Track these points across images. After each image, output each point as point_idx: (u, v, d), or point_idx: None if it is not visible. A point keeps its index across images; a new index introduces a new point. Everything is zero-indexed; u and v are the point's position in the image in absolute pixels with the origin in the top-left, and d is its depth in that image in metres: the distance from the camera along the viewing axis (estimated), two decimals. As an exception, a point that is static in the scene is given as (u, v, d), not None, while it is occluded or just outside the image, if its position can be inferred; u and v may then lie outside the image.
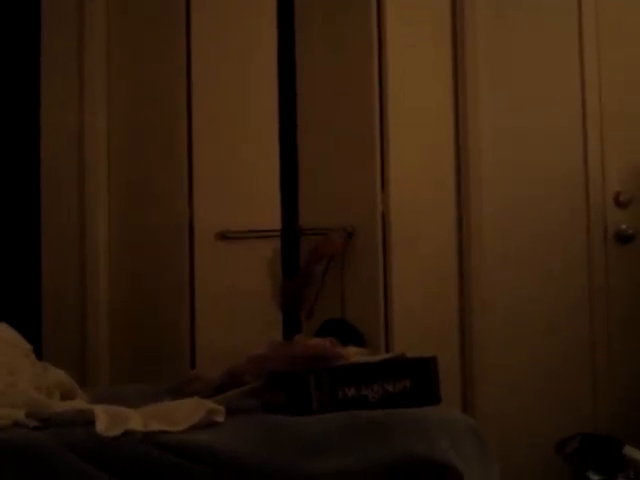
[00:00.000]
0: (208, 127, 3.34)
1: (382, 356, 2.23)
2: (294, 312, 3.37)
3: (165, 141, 3.36)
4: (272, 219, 3.36)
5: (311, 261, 3.34)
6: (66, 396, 2.18)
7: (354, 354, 2.17)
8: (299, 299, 3.35)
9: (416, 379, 2.04)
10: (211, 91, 3.35)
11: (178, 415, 1.85)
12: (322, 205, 3.39)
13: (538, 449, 3.27)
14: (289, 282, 3.36)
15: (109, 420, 1.78)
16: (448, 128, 3.41)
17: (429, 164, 3.40)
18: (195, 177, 3.32)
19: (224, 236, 3.30)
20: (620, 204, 3.51)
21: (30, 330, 2.44)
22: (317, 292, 3.32)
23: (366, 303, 3.31)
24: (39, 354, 2.38)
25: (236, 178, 3.35)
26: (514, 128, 3.46)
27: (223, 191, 3.34)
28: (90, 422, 1.78)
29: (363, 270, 3.33)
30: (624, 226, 3.49)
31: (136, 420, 1.80)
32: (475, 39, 3.42)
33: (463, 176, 3.41)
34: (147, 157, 3.38)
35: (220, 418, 1.88)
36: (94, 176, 3.34)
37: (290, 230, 3.39)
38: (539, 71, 3.49)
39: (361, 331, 3.19)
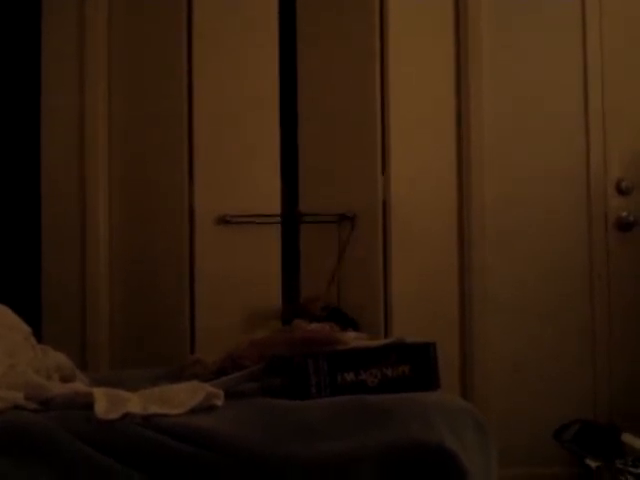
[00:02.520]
0: (209, 112, 3.33)
1: (381, 341, 2.23)
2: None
3: (166, 125, 3.36)
4: (272, 204, 3.36)
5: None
6: (65, 379, 2.18)
7: (353, 339, 2.17)
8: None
9: (415, 364, 2.04)
10: (212, 76, 3.35)
11: (177, 398, 1.85)
12: (322, 191, 3.39)
13: (537, 435, 3.27)
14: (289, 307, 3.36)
15: (108, 403, 1.78)
16: (450, 114, 3.41)
17: (430, 150, 3.41)
18: (195, 161, 3.32)
19: (224, 220, 3.30)
20: (622, 191, 3.50)
21: (30, 313, 2.44)
22: None
23: (366, 289, 3.31)
24: (39, 337, 2.38)
25: (236, 163, 3.35)
26: (516, 114, 3.46)
27: (223, 176, 3.34)
28: (89, 405, 1.78)
29: (363, 256, 3.33)
30: (625, 213, 3.49)
31: (135, 403, 1.80)
32: (478, 26, 3.41)
33: (464, 163, 3.42)
34: (148, 141, 3.38)
35: (219, 402, 1.88)
36: (94, 160, 3.34)
37: (290, 215, 3.39)
38: (542, 58, 3.49)
39: (354, 318, 3.19)
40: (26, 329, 2.28)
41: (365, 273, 3.33)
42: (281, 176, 3.40)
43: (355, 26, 3.38)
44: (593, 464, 2.84)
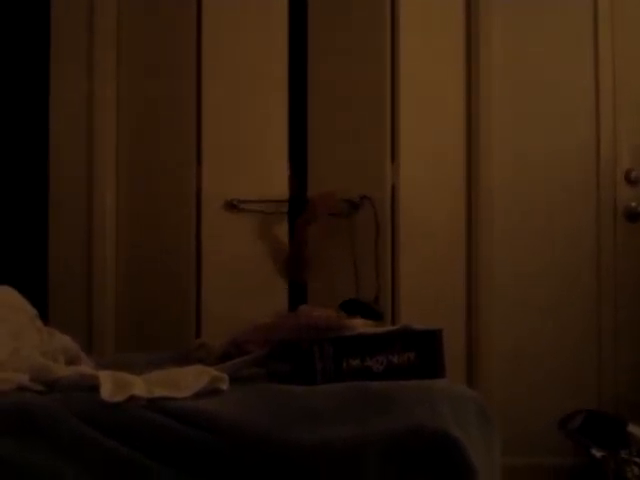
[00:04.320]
0: (217, 96, 3.33)
1: (387, 328, 2.22)
2: (299, 277, 3.36)
3: (174, 110, 3.35)
4: (280, 189, 3.36)
5: (302, 224, 3.32)
6: (71, 362, 2.19)
7: (359, 325, 2.17)
8: (301, 263, 3.35)
9: (421, 351, 2.03)
10: (221, 60, 3.34)
11: (182, 382, 1.85)
12: (331, 176, 3.38)
13: (542, 425, 3.27)
14: (290, 249, 3.35)
15: (113, 386, 1.78)
16: (459, 100, 3.40)
17: (439, 136, 3.40)
18: (203, 146, 3.31)
19: (231, 205, 3.30)
20: (631, 181, 3.49)
21: (36, 295, 2.44)
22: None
23: (373, 274, 3.30)
24: (45, 320, 2.38)
25: (244, 148, 3.35)
26: (526, 102, 3.46)
27: (231, 160, 3.33)
28: (94, 387, 1.78)
29: (371, 241, 3.32)
30: (634, 204, 3.48)
31: (140, 386, 1.80)
32: (489, 10, 3.40)
33: (473, 152, 3.41)
34: (156, 126, 3.38)
35: (224, 386, 1.88)
36: (102, 144, 3.35)
37: (298, 200, 3.38)
38: (554, 47, 3.48)
39: (379, 310, 3.18)
40: (32, 311, 2.28)
41: (373, 257, 3.32)
42: (290, 162, 3.40)
43: (366, 10, 3.36)
44: (598, 454, 2.84)
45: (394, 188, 3.34)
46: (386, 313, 3.29)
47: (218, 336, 2.45)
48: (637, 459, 2.78)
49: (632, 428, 2.91)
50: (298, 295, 3.36)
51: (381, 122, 3.34)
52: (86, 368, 2.06)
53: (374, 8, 3.35)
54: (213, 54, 3.33)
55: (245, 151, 3.35)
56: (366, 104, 3.36)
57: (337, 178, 3.37)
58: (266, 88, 3.37)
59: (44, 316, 2.38)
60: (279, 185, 3.36)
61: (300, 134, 3.41)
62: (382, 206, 3.33)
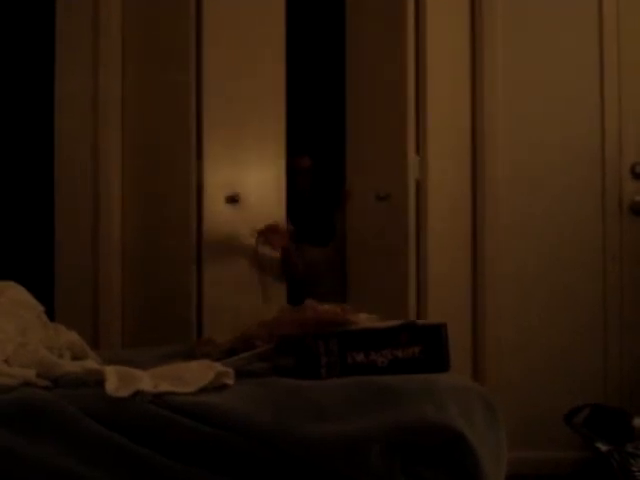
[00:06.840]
0: (219, 91, 3.32)
1: (392, 322, 2.23)
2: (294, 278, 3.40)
3: (176, 105, 3.35)
4: (281, 184, 3.37)
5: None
6: (77, 357, 2.20)
7: (364, 320, 2.17)
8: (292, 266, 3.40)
9: (426, 346, 2.03)
10: (222, 55, 3.33)
11: (188, 377, 1.86)
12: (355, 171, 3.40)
13: (548, 419, 3.28)
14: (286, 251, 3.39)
15: (119, 381, 1.79)
16: (465, 91, 3.41)
17: (449, 135, 3.40)
18: (205, 140, 3.30)
19: (233, 199, 3.30)
20: (636, 175, 3.49)
21: (43, 292, 2.45)
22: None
23: (397, 269, 3.30)
24: (51, 316, 2.39)
25: (246, 142, 3.35)
26: (532, 98, 3.45)
27: (233, 155, 3.33)
28: (100, 382, 1.79)
29: (395, 236, 3.31)
30: (639, 198, 3.48)
31: (146, 381, 1.81)
32: (494, 6, 3.41)
33: (478, 148, 3.42)
34: (159, 121, 3.38)
35: (230, 380, 1.89)
36: (107, 140, 3.35)
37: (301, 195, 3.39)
38: (558, 42, 3.48)
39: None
40: (39, 307, 2.29)
41: (397, 253, 3.32)
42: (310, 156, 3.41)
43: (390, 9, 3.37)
44: (604, 448, 2.84)
45: (418, 183, 3.33)
46: (410, 307, 3.27)
47: (219, 330, 2.45)
48: (643, 453, 2.78)
49: (637, 422, 2.91)
50: (297, 290, 3.37)
51: (404, 115, 3.32)
52: (92, 363, 2.07)
53: (399, 21, 3.34)
54: (214, 48, 3.32)
55: (247, 146, 3.35)
56: (388, 100, 3.36)
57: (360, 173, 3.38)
58: (267, 83, 3.37)
59: (50, 312, 2.39)
60: (279, 180, 3.37)
61: (318, 128, 3.41)
62: (404, 200, 3.31)
